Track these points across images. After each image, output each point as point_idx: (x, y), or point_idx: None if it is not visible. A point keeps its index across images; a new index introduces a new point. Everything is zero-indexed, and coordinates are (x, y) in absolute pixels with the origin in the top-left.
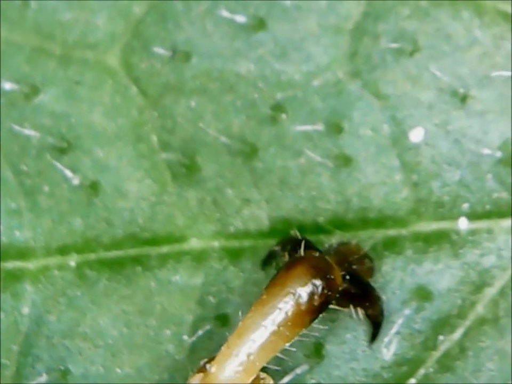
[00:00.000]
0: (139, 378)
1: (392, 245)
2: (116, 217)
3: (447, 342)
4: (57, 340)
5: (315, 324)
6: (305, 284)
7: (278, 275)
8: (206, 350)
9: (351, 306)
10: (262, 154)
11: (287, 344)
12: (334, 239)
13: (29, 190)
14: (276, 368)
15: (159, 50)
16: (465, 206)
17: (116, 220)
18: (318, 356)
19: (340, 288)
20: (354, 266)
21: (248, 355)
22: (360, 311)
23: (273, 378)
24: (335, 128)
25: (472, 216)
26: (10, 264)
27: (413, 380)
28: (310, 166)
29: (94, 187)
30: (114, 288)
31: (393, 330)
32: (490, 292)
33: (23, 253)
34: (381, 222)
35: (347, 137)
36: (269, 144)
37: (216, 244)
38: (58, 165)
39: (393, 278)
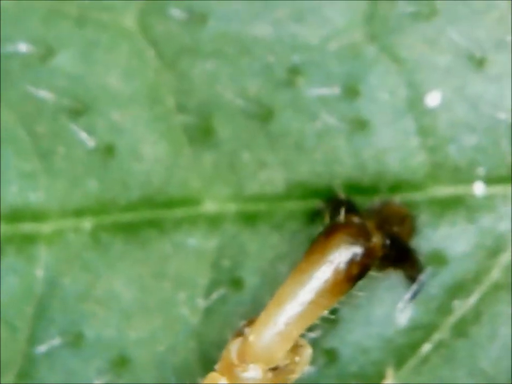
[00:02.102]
0: (153, 341)
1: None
2: (131, 179)
3: (462, 307)
4: (72, 303)
5: None
6: (344, 252)
7: (316, 242)
8: (220, 313)
9: (391, 269)
10: (278, 118)
11: (326, 312)
12: (377, 199)
13: (44, 152)
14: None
15: (175, 12)
16: (481, 170)
17: (131, 183)
18: (332, 320)
19: (379, 255)
20: (395, 228)
21: (287, 323)
22: (400, 272)
23: None
24: (351, 92)
25: (488, 180)
26: (25, 227)
27: (427, 345)
28: (326, 130)
29: (109, 149)
30: (129, 251)
31: (408, 295)
32: (505, 257)
33: (37, 215)
34: (396, 186)
35: (363, 100)
36: (285, 107)
37: (231, 207)
38: (74, 127)
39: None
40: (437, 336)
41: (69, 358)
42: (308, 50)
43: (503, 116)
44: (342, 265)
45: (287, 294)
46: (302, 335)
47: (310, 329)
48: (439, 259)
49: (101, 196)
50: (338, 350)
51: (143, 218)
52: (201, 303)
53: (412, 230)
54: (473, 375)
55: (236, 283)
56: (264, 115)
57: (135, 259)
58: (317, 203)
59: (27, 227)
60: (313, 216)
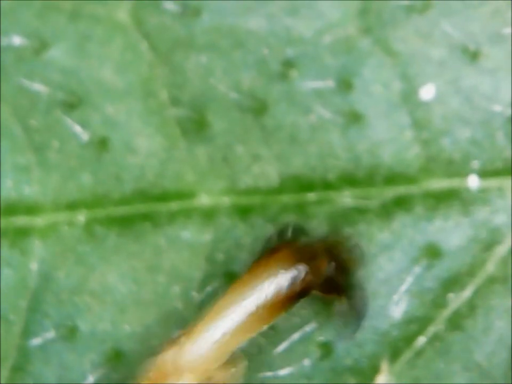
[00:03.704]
0: (147, 334)
1: (402, 202)
2: (125, 173)
3: (457, 300)
4: (66, 296)
5: None
6: (288, 268)
7: (262, 256)
8: None
9: (334, 295)
10: (272, 111)
11: (264, 327)
12: (325, 228)
13: (38, 145)
14: (284, 325)
15: (169, 5)
16: (476, 163)
17: (125, 176)
18: (327, 313)
19: (324, 276)
20: (342, 256)
21: (224, 334)
22: (343, 301)
23: (281, 336)
24: (345, 85)
25: (483, 173)
26: (19, 220)
27: (422, 338)
28: (320, 123)
29: (103, 143)
30: (123, 244)
31: (403, 288)
32: (500, 250)
33: (32, 209)
34: (391, 179)
35: (357, 94)
36: (279, 101)
37: (226, 200)
38: (68, 120)
39: (403, 235)
40: (431, 329)
41: (63, 352)
42: (301, 44)
43: (497, 108)
44: (285, 281)
45: (227, 305)
46: (300, 329)
47: (304, 322)
48: (434, 252)
49: (95, 189)
50: (333, 343)
51: (137, 212)
52: (196, 296)
53: (359, 261)
54: (468, 368)
55: (231, 276)
56: (258, 108)
57: (129, 252)
58: (268, 232)
59: (21, 220)
60: (265, 243)
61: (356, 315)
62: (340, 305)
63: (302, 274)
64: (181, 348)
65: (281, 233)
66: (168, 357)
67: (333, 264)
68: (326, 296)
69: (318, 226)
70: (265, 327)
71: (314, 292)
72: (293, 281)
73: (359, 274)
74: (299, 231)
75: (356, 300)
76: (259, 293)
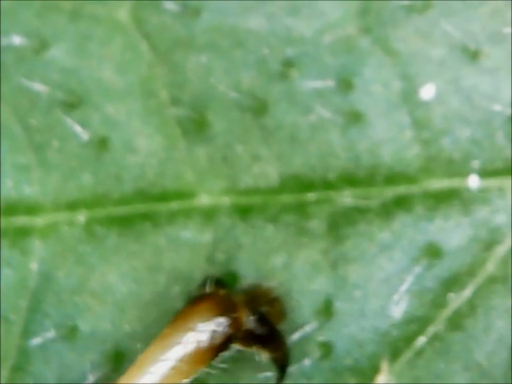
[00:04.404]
0: (147, 334)
1: (402, 202)
2: (125, 173)
3: (457, 300)
4: (66, 296)
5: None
6: (208, 321)
7: (182, 310)
8: None
9: (256, 348)
10: (272, 111)
11: (186, 381)
12: (246, 281)
13: (38, 145)
14: (284, 325)
15: (169, 5)
16: (476, 163)
17: (125, 176)
18: (327, 313)
19: (244, 328)
20: (263, 308)
21: None
22: (265, 353)
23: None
24: (345, 85)
25: (483, 173)
26: (19, 220)
27: (422, 338)
28: (320, 122)
29: (103, 142)
30: (123, 244)
31: (403, 287)
32: (500, 250)
33: (32, 208)
34: (391, 178)
35: (358, 93)
36: (279, 100)
37: (226, 200)
38: (68, 120)
39: (404, 235)
40: (431, 329)
41: (63, 351)
42: (302, 43)
43: (497, 108)
44: (205, 335)
45: (148, 358)
46: (301, 329)
47: (304, 322)
48: (434, 252)
49: (95, 189)
50: (333, 343)
51: (137, 212)
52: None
53: (281, 313)
54: (468, 368)
55: (230, 276)
56: (258, 108)
57: (130, 252)
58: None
59: (21, 220)
60: (188, 297)
61: (279, 366)
62: (262, 357)
63: (222, 327)
64: None
65: (202, 284)
66: None
67: (254, 316)
68: (247, 349)
69: (318, 226)
70: (187, 380)
71: (236, 345)
72: (213, 334)
73: (280, 326)
74: (221, 282)
75: (277, 352)
76: (180, 347)
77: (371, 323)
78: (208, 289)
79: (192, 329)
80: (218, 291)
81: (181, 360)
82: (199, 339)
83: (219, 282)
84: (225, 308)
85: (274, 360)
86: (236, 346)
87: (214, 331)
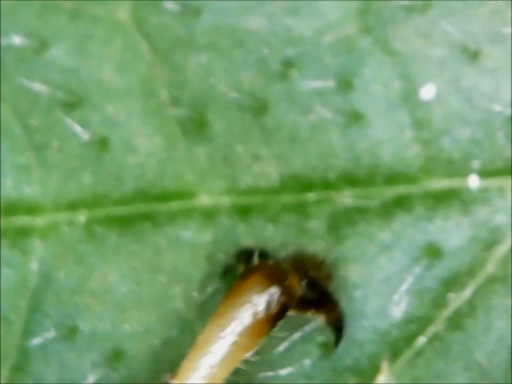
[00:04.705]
0: (147, 334)
1: (402, 202)
2: (125, 173)
3: (457, 300)
4: (66, 296)
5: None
6: (262, 292)
7: (234, 285)
8: (214, 307)
9: (311, 312)
10: (272, 111)
11: (249, 354)
12: (292, 247)
13: (38, 145)
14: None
15: (169, 5)
16: (476, 163)
17: (125, 176)
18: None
19: (297, 295)
20: (311, 273)
21: (210, 367)
22: (320, 317)
23: (281, 336)
24: (345, 85)
25: (483, 173)
26: (19, 220)
27: (422, 338)
28: (320, 122)
29: (103, 142)
30: (124, 244)
31: (403, 288)
32: (500, 250)
33: (32, 208)
34: (391, 178)
35: (358, 93)
36: (279, 100)
37: (226, 200)
38: (68, 120)
39: (404, 235)
40: (431, 329)
41: (63, 351)
42: (302, 43)
43: (497, 108)
44: (260, 306)
45: (208, 338)
46: (301, 329)
47: (304, 322)
48: (434, 252)
49: (95, 189)
50: (333, 343)
51: (137, 212)
52: (196, 296)
53: (329, 276)
54: (468, 368)
55: (231, 276)
56: (258, 108)
57: (130, 252)
58: (226, 258)
59: (21, 220)
60: (225, 271)
61: (335, 328)
62: (318, 320)
63: (276, 296)
64: None
65: (241, 256)
66: None
67: (304, 281)
68: (302, 314)
69: (318, 226)
70: (248, 354)
71: (291, 311)
72: (269, 304)
73: (331, 288)
74: (265, 253)
75: (332, 313)
76: (237, 322)
77: (371, 323)
78: (254, 261)
79: (247, 303)
80: (266, 262)
81: (240, 335)
82: (255, 311)
83: (263, 253)
84: (276, 277)
85: (330, 322)
86: (291, 313)
87: (269, 301)
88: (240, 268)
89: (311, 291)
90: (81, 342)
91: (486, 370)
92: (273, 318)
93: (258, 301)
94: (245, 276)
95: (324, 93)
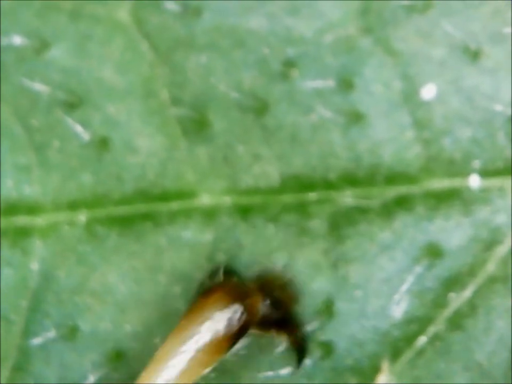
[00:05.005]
0: (148, 334)
1: (403, 202)
2: (126, 173)
3: (457, 300)
4: (66, 296)
5: (324, 283)
6: (223, 309)
7: (196, 301)
8: None
9: (272, 333)
10: (273, 111)
11: (207, 370)
12: (256, 267)
13: (39, 145)
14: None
15: (170, 5)
16: (477, 163)
17: (126, 176)
18: (328, 313)
19: (259, 314)
20: (276, 293)
21: (167, 381)
22: (282, 337)
23: None
24: (346, 85)
25: (484, 173)
26: (19, 220)
27: (423, 338)
28: (321, 122)
29: (104, 142)
30: (124, 244)
31: (404, 287)
32: (501, 250)
33: (32, 208)
34: (392, 178)
35: (358, 93)
36: (279, 100)
37: (226, 200)
38: (69, 120)
39: (404, 235)
40: (432, 329)
41: (63, 351)
42: (302, 43)
43: (498, 108)
44: (221, 323)
45: (166, 352)
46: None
47: (305, 322)
48: (435, 252)
49: (96, 189)
50: (334, 343)
51: (138, 212)
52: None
53: (294, 297)
54: (469, 368)
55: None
56: (259, 108)
57: (130, 252)
58: (202, 277)
59: (22, 220)
60: (198, 289)
61: (297, 349)
62: (280, 341)
63: (238, 314)
64: None
65: (212, 274)
66: None
67: (268, 301)
68: (264, 334)
69: (319, 226)
70: (207, 370)
71: (253, 331)
72: (229, 322)
73: (295, 309)
74: (230, 271)
75: (294, 335)
76: (197, 338)
77: (372, 323)
78: (219, 278)
79: (208, 319)
80: (230, 279)
81: (200, 351)
82: (216, 328)
83: (228, 271)
84: (239, 295)
85: (292, 343)
86: (253, 332)
87: (230, 319)
88: (207, 285)
89: (273, 311)
90: (82, 342)
91: (486, 370)
92: (234, 336)
93: (219, 318)
94: (207, 292)
95: (324, 93)
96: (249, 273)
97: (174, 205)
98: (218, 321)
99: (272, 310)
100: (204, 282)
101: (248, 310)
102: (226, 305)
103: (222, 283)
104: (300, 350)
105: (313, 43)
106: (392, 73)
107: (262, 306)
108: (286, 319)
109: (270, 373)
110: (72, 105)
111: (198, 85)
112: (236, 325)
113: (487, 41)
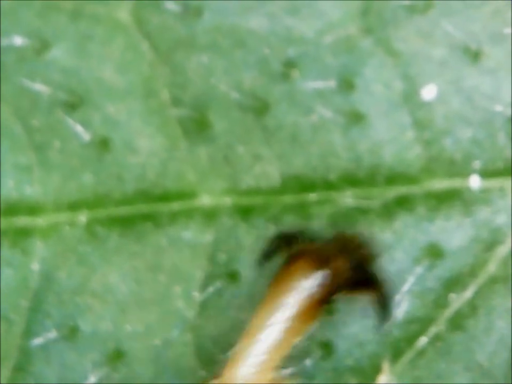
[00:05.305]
0: (149, 334)
1: (404, 202)
2: (126, 173)
3: (458, 300)
4: (67, 296)
5: None
6: (309, 277)
7: (280, 271)
8: (216, 307)
9: (357, 293)
10: (274, 111)
11: (299, 339)
12: (332, 229)
13: (40, 145)
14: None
15: (170, 5)
16: (477, 163)
17: (126, 176)
18: (329, 313)
19: (345, 276)
20: (356, 252)
21: (261, 356)
22: (369, 295)
23: None
24: (346, 85)
25: (484, 173)
26: (20, 220)
27: (424, 338)
28: (322, 123)
29: (104, 143)
30: (125, 244)
31: (405, 288)
32: (501, 250)
33: (33, 209)
34: (392, 179)
35: (359, 93)
36: (280, 101)
37: (227, 200)
38: (69, 120)
39: (405, 236)
40: (433, 330)
41: (64, 351)
42: (303, 44)
43: (499, 108)
44: (308, 291)
45: (258, 326)
46: None
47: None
48: (435, 252)
49: (96, 189)
50: (334, 343)
51: (138, 212)
52: (197, 296)
53: (373, 253)
54: (469, 368)
55: (232, 276)
56: (259, 108)
57: (131, 252)
58: (268, 242)
59: (22, 220)
60: (265, 254)
61: (383, 305)
62: (367, 299)
63: (325, 279)
64: (223, 378)
65: (281, 241)
66: None
67: (352, 261)
68: (351, 295)
69: (318, 227)
70: (299, 339)
71: (339, 294)
72: (317, 288)
73: (378, 266)
74: (303, 236)
75: (378, 292)
76: (286, 309)
77: (372, 323)
78: (300, 245)
79: (295, 288)
80: (311, 245)
81: (290, 321)
82: (304, 296)
83: (305, 236)
84: (323, 259)
85: (378, 300)
86: (341, 294)
87: (318, 285)
88: (283, 253)
89: (358, 271)
90: (82, 342)
91: (487, 370)
92: (321, 302)
93: (306, 286)
94: (290, 261)
95: (325, 93)
96: (324, 238)
97: (175, 205)
98: (305, 288)
99: (357, 271)
100: (267, 250)
101: (334, 273)
102: (312, 271)
103: (304, 250)
104: (386, 305)
105: (314, 43)
106: (392, 74)
107: (347, 268)
108: (369, 277)
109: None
110: (73, 105)
111: (199, 85)
112: (323, 291)
113: (488, 41)
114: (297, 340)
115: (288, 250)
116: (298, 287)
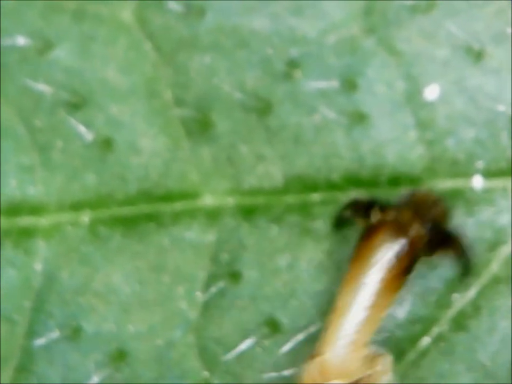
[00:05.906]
0: (151, 335)
1: None
2: (129, 173)
3: (461, 300)
4: (70, 296)
5: (328, 284)
6: (390, 247)
7: (359, 246)
8: (219, 307)
9: (440, 253)
10: (276, 111)
11: (386, 312)
12: (402, 190)
13: (42, 145)
14: (289, 325)
15: (173, 5)
16: (480, 163)
17: (129, 176)
18: None
19: (424, 240)
20: (431, 213)
21: (354, 332)
22: (450, 254)
23: (285, 337)
24: (349, 85)
25: (487, 174)
26: (23, 220)
27: (426, 338)
28: (324, 123)
29: (107, 143)
30: (127, 244)
31: (407, 288)
32: (505, 250)
33: (36, 209)
34: (395, 179)
35: (362, 94)
36: (283, 101)
37: (230, 200)
38: (72, 120)
39: None
40: (436, 330)
41: (67, 352)
42: (305, 44)
43: (502, 108)
44: (391, 262)
45: (346, 305)
46: (305, 329)
47: (309, 322)
48: None
49: (99, 189)
50: None
51: (141, 212)
52: (200, 296)
53: (446, 212)
54: (472, 368)
55: (235, 276)
56: (262, 108)
57: (134, 253)
58: (339, 210)
59: (25, 221)
60: (338, 222)
61: (466, 260)
62: (448, 258)
63: (406, 248)
64: (322, 358)
65: (356, 208)
66: (313, 369)
67: (427, 226)
68: (432, 257)
69: (322, 227)
70: (386, 312)
71: (421, 259)
72: (399, 258)
73: (452, 223)
74: (377, 205)
75: (458, 249)
76: (371, 282)
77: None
78: (375, 215)
79: (377, 261)
80: (385, 216)
81: (377, 295)
82: (387, 267)
83: (376, 204)
84: (401, 227)
85: (459, 256)
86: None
87: (399, 255)
88: (360, 223)
89: (436, 233)
90: (85, 342)
91: (490, 370)
92: (406, 270)
93: (388, 258)
94: (369, 233)
95: (327, 93)
96: (396, 202)
97: (178, 206)
98: (387, 260)
99: (434, 232)
100: (340, 217)
101: (413, 241)
102: (393, 242)
103: (379, 221)
104: (467, 260)
105: (317, 43)
106: (395, 74)
107: (425, 232)
108: (447, 237)
109: (274, 374)
110: (76, 105)
111: (202, 85)
112: (405, 259)
113: (491, 41)
114: (384, 314)
115: (363, 220)
116: (381, 260)
